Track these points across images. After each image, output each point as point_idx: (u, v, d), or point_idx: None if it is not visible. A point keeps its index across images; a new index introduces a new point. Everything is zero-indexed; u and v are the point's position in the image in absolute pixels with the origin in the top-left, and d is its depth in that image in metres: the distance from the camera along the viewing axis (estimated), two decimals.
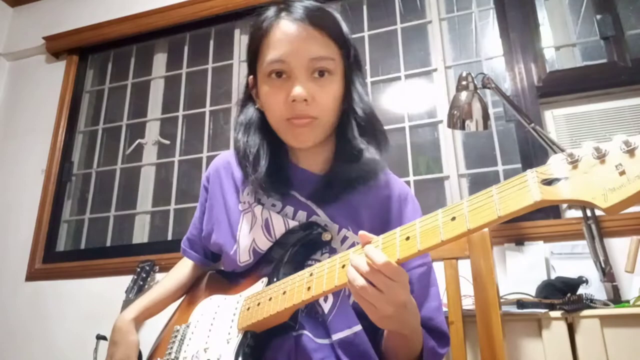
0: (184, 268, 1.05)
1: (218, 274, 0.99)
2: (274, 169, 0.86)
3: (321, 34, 0.81)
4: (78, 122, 2.60)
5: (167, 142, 2.42)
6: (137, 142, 2.46)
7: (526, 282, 1.50)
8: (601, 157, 0.50)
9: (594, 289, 1.42)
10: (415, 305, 0.75)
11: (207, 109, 2.41)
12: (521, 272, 1.57)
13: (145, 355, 0.97)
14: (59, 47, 2.69)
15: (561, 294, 1.27)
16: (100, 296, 2.11)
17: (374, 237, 0.68)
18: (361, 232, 0.69)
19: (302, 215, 0.87)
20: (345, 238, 0.85)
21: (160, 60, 2.62)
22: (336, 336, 0.80)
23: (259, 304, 0.79)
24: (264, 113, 0.88)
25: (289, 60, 0.80)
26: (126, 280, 1.97)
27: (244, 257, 0.89)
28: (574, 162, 0.52)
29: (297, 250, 0.84)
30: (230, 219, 0.93)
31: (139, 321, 0.97)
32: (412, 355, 0.79)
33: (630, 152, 0.48)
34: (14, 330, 2.24)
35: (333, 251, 0.84)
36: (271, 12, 0.85)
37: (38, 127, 2.58)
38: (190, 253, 1.03)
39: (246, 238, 0.89)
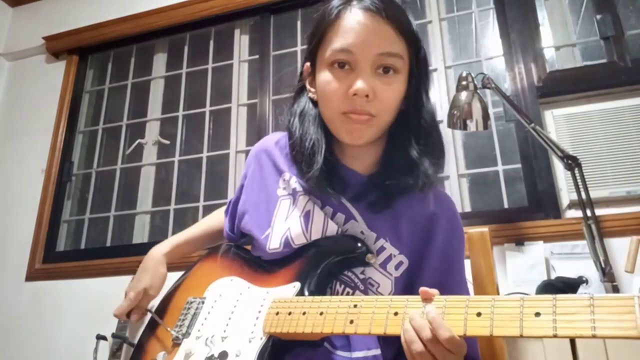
0: (221, 218, 1.05)
1: (241, 252, 0.95)
2: (327, 166, 0.81)
3: (393, 29, 0.77)
4: (78, 122, 2.60)
5: (167, 142, 2.42)
6: (137, 142, 2.46)
7: (526, 282, 1.50)
8: None
9: (594, 289, 1.42)
10: None
11: (207, 109, 2.41)
12: (521, 272, 1.57)
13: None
14: (59, 47, 2.69)
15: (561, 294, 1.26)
16: (100, 296, 2.11)
17: (437, 294, 0.63)
18: (422, 289, 0.64)
19: (340, 218, 0.83)
20: (382, 249, 0.81)
21: (160, 60, 2.62)
22: (356, 354, 0.77)
23: (290, 314, 0.74)
24: (317, 104, 0.84)
25: (356, 52, 0.76)
26: (126, 280, 1.95)
27: (274, 244, 0.84)
28: None
29: (335, 263, 0.79)
30: (267, 204, 0.89)
31: (171, 257, 0.99)
32: None
33: None
34: (14, 330, 2.24)
35: (368, 264, 0.80)
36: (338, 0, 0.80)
37: (38, 127, 2.58)
38: (226, 220, 1.02)
39: (281, 225, 0.85)
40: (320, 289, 0.78)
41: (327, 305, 0.71)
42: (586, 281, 1.43)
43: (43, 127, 2.56)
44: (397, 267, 0.81)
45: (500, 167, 1.87)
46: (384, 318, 0.65)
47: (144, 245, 2.24)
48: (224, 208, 1.07)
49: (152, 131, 2.49)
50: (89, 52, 2.72)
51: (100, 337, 1.94)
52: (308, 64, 0.86)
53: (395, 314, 0.65)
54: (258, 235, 0.87)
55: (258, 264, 0.87)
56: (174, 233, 2.20)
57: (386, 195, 0.80)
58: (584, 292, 1.28)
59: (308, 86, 0.87)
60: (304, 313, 0.72)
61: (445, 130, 1.93)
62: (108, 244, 2.35)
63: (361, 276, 0.81)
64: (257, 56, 2.38)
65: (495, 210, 1.81)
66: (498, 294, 1.08)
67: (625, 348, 1.09)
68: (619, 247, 1.50)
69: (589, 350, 1.11)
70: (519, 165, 1.81)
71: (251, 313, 0.79)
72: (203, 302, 0.87)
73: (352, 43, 0.76)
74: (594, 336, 0.50)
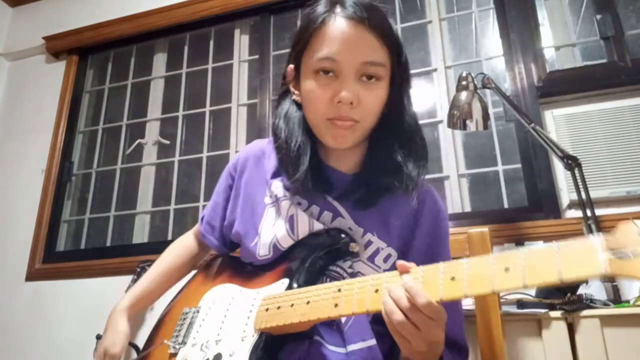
0: (181, 252, 1.04)
1: (233, 261, 0.97)
2: (313, 168, 0.84)
3: (376, 38, 0.79)
4: (78, 122, 2.60)
5: (167, 142, 2.42)
6: (137, 142, 2.46)
7: None
8: None
9: (594, 289, 1.42)
10: (443, 339, 0.71)
11: (207, 109, 2.41)
12: None
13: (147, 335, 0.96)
14: (59, 47, 2.69)
15: (561, 294, 1.26)
16: (100, 296, 2.11)
17: (414, 267, 0.65)
18: (399, 262, 0.66)
19: (327, 216, 0.85)
20: (369, 242, 0.83)
21: (160, 60, 2.62)
22: (350, 347, 0.78)
23: (279, 308, 0.76)
24: (301, 107, 0.86)
25: (341, 60, 0.78)
26: (126, 280, 1.97)
27: (263, 251, 0.87)
28: None
29: (321, 256, 0.82)
30: (254, 211, 0.91)
31: (132, 311, 0.98)
32: None
33: None
34: (14, 330, 2.24)
35: (356, 256, 0.82)
36: (324, 4, 0.82)
37: (38, 127, 2.58)
38: (210, 239, 1.01)
39: (268, 232, 0.87)
40: (309, 284, 0.80)
41: (313, 294, 0.73)
42: (586, 281, 1.42)
43: (43, 127, 2.56)
44: (385, 260, 0.83)
45: (500, 167, 1.87)
46: (366, 297, 0.67)
47: (144, 245, 2.25)
48: (188, 236, 1.07)
49: (152, 131, 2.49)
50: (89, 52, 2.72)
51: (100, 337, 1.94)
52: (292, 66, 0.87)
53: (376, 291, 0.66)
54: (247, 243, 0.89)
55: (249, 270, 0.90)
56: (174, 233, 2.22)
57: (371, 193, 0.83)
58: (584, 292, 1.28)
59: (292, 89, 0.88)
60: (292, 305, 0.75)
61: (445, 130, 1.93)
62: (108, 244, 2.35)
63: (349, 270, 0.83)
64: (257, 56, 2.38)
65: (495, 210, 1.81)
66: (498, 294, 1.08)
67: (625, 348, 1.09)
68: None
69: (589, 350, 1.11)
70: (519, 165, 1.81)
71: (243, 314, 0.81)
72: (198, 311, 0.89)
73: (336, 52, 0.78)
74: (560, 280, 0.52)
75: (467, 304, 1.17)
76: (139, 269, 1.99)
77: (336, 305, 0.69)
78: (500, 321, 1.02)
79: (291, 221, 0.85)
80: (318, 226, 0.84)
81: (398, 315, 0.61)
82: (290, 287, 0.80)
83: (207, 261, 1.03)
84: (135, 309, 0.99)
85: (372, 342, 0.79)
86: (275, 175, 0.90)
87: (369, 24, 0.78)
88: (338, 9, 0.80)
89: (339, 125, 0.79)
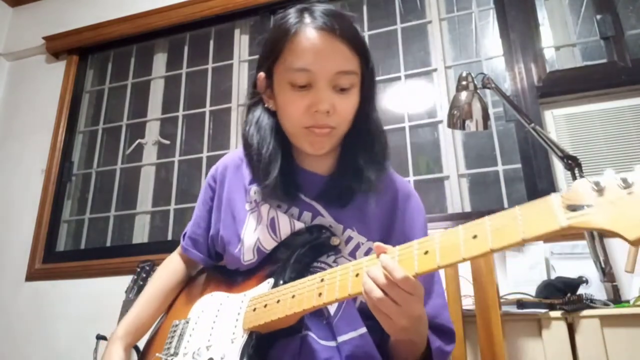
0: (169, 274, 1.03)
1: (218, 271, 0.99)
2: (284, 173, 0.86)
3: (347, 47, 0.81)
4: (78, 122, 2.60)
5: (167, 142, 2.42)
6: (137, 142, 2.46)
7: (526, 282, 1.50)
8: (628, 188, 0.51)
9: (594, 289, 1.42)
10: (426, 316, 0.74)
11: (207, 109, 2.41)
12: (521, 272, 1.57)
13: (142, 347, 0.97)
14: (59, 47, 2.69)
15: (561, 294, 1.26)
16: (100, 296, 2.11)
17: (390, 247, 0.68)
18: (376, 243, 0.69)
19: (307, 216, 0.87)
20: (349, 238, 0.86)
21: (160, 60, 2.62)
22: (341, 338, 0.80)
23: (265, 306, 0.78)
24: (273, 114, 0.88)
25: (314, 70, 0.80)
26: (126, 280, 1.97)
27: (248, 256, 0.89)
28: (600, 190, 0.52)
29: (304, 252, 0.84)
30: (236, 218, 0.93)
31: (129, 339, 0.96)
32: (417, 354, 0.79)
33: None
34: (14, 330, 2.24)
35: (338, 252, 0.85)
36: (293, 15, 0.84)
37: (38, 127, 2.59)
38: (194, 253, 1.02)
39: (251, 237, 0.89)
40: (295, 280, 0.81)
41: (298, 288, 0.75)
42: (586, 281, 1.43)
43: (43, 127, 2.56)
44: (366, 254, 0.85)
45: (500, 167, 1.87)
46: (348, 282, 0.69)
47: (144, 245, 2.25)
48: (173, 257, 1.07)
49: (152, 131, 2.49)
50: (89, 52, 2.72)
51: (100, 337, 1.94)
52: (262, 74, 0.89)
53: (357, 275, 0.69)
54: (232, 250, 0.91)
55: (235, 276, 0.91)
56: (174, 233, 2.22)
57: (347, 191, 0.86)
58: (584, 292, 1.28)
59: (265, 97, 0.89)
60: (278, 301, 0.77)
61: (445, 130, 1.93)
62: (108, 244, 2.35)
63: (333, 265, 0.85)
64: (257, 56, 2.37)
65: (495, 210, 1.81)
66: (498, 294, 1.08)
67: (625, 348, 1.09)
68: (619, 247, 1.50)
69: (589, 350, 1.11)
70: (519, 165, 1.81)
71: (231, 317, 0.83)
72: (187, 322, 0.91)
73: (310, 63, 0.80)
74: (523, 240, 0.55)
75: (467, 304, 1.17)
76: (139, 269, 1.99)
77: (320, 294, 0.71)
78: (500, 321, 1.02)
79: (272, 224, 0.88)
80: (299, 225, 0.86)
81: (377, 292, 0.64)
82: (276, 285, 0.81)
83: (193, 276, 1.04)
84: (131, 337, 0.97)
85: (363, 330, 0.81)
86: (253, 181, 0.92)
87: (339, 34, 0.80)
88: (308, 20, 0.82)
89: (316, 132, 0.82)
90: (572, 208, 0.53)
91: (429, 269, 0.62)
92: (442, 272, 1.14)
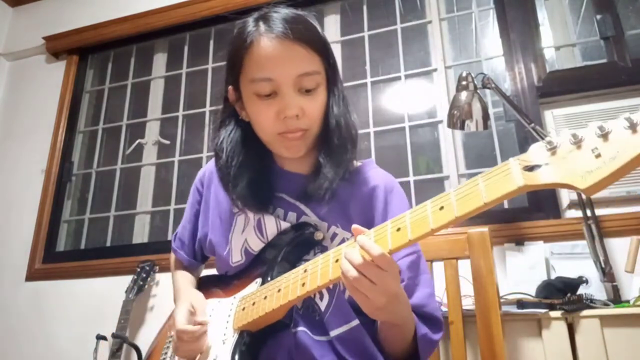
0: (185, 270, 1.06)
1: (209, 280, 1.01)
2: (255, 180, 0.88)
3: (305, 49, 0.81)
4: (78, 122, 2.60)
5: (167, 142, 2.42)
6: (137, 142, 2.46)
7: (526, 282, 1.50)
8: (578, 142, 0.53)
9: (594, 289, 1.42)
10: (405, 296, 0.77)
11: (207, 109, 2.41)
12: (521, 272, 1.57)
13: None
14: (59, 47, 2.69)
15: (561, 294, 1.27)
16: (100, 296, 2.11)
17: (366, 230, 0.70)
18: (354, 226, 0.71)
19: (292, 216, 0.89)
20: (334, 235, 0.87)
21: (160, 60, 2.62)
22: (334, 333, 0.81)
23: (254, 304, 0.80)
24: (247, 125, 0.89)
25: (276, 78, 0.81)
26: (126, 280, 1.97)
27: (236, 258, 0.91)
28: (553, 149, 0.55)
29: (290, 250, 0.85)
30: (223, 221, 0.94)
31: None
32: (406, 343, 0.80)
33: (604, 136, 0.52)
34: (14, 330, 2.24)
35: (324, 249, 0.86)
36: (250, 24, 0.84)
37: (38, 127, 2.58)
38: (180, 254, 1.05)
39: (238, 239, 0.91)
40: None
41: (284, 282, 0.78)
42: (586, 281, 1.43)
43: (43, 127, 2.56)
44: None
45: None
46: (328, 268, 0.72)
47: (144, 245, 2.25)
48: (172, 256, 1.09)
49: (152, 131, 2.49)
50: (89, 52, 2.72)
51: (100, 337, 1.94)
52: (231, 87, 0.89)
53: (336, 261, 0.71)
54: (221, 252, 0.93)
55: (225, 281, 0.93)
56: (173, 233, 2.21)
57: (327, 187, 0.86)
58: (584, 292, 1.28)
59: (238, 109, 0.90)
60: (265, 297, 0.79)
61: (445, 130, 1.93)
62: (108, 244, 2.35)
63: None
64: None
65: (495, 210, 1.81)
66: (498, 293, 1.08)
67: (625, 348, 1.09)
68: (619, 247, 1.50)
69: (589, 350, 1.11)
70: None
71: (222, 320, 0.85)
72: None
73: (270, 72, 0.81)
74: (485, 204, 0.58)
75: (467, 304, 1.17)
76: (138, 269, 1.99)
77: (303, 284, 0.74)
78: (500, 321, 1.02)
79: (259, 225, 0.89)
80: (285, 225, 0.87)
81: (353, 272, 0.66)
82: (264, 283, 0.83)
83: None
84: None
85: (355, 322, 0.82)
86: None
87: (295, 37, 0.80)
88: (262, 29, 0.82)
89: (290, 137, 0.84)
90: (529, 168, 0.56)
91: (402, 244, 0.65)
92: (441, 272, 1.14)
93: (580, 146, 0.53)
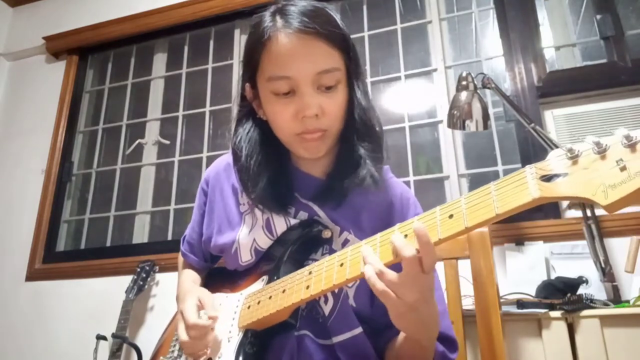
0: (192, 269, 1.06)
1: (218, 272, 1.00)
2: (274, 182, 0.85)
3: (325, 44, 0.77)
4: (78, 122, 2.60)
5: (167, 142, 2.42)
6: (137, 142, 2.46)
7: (526, 282, 1.50)
8: (602, 152, 0.48)
9: (594, 289, 1.42)
10: (436, 312, 0.70)
11: (207, 109, 2.41)
12: (521, 272, 1.57)
13: (148, 356, 0.99)
14: (59, 47, 2.69)
15: (561, 294, 1.27)
16: (100, 296, 2.11)
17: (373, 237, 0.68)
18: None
19: (303, 215, 0.87)
20: (346, 241, 0.85)
21: (160, 60, 2.62)
22: (337, 338, 0.80)
23: (259, 302, 0.79)
24: (264, 122, 0.87)
25: (294, 76, 0.77)
26: (126, 280, 1.97)
27: (245, 257, 0.89)
28: (574, 158, 0.50)
29: (297, 248, 0.84)
30: (231, 221, 0.93)
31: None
32: None
33: (632, 146, 0.46)
34: (14, 330, 2.24)
35: (333, 252, 0.84)
36: (267, 19, 0.80)
37: (38, 127, 2.58)
38: (190, 256, 1.04)
39: (247, 238, 0.89)
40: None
41: (288, 282, 0.76)
42: (586, 281, 1.43)
43: (43, 127, 2.56)
44: None
45: (500, 167, 1.87)
46: (333, 273, 0.69)
47: (144, 245, 2.25)
48: (180, 258, 1.08)
49: (152, 131, 2.49)
50: (89, 52, 2.72)
51: (100, 337, 1.94)
52: (248, 85, 0.87)
53: (341, 265, 0.69)
54: (229, 252, 0.91)
55: (235, 276, 0.92)
56: (174, 233, 2.22)
57: (343, 192, 0.84)
58: (584, 292, 1.28)
59: (255, 107, 0.88)
60: (270, 297, 0.78)
61: (445, 130, 1.93)
62: (108, 244, 2.34)
63: None
64: None
65: None
66: (498, 293, 1.08)
67: (625, 348, 1.09)
68: (619, 247, 1.50)
69: (589, 350, 1.11)
70: (519, 165, 1.81)
71: (229, 317, 0.84)
72: None
73: (288, 69, 0.77)
74: (497, 215, 0.54)
75: (467, 304, 1.17)
76: (138, 269, 1.99)
77: (307, 287, 0.72)
78: (500, 321, 1.02)
79: (268, 224, 0.87)
80: (294, 222, 0.85)
81: (379, 285, 0.62)
82: (270, 281, 0.82)
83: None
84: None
85: (358, 330, 0.80)
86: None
87: (314, 32, 0.76)
88: (280, 23, 0.78)
89: (308, 138, 0.80)
90: (546, 178, 0.51)
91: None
92: (441, 272, 1.14)
93: (605, 156, 0.48)
